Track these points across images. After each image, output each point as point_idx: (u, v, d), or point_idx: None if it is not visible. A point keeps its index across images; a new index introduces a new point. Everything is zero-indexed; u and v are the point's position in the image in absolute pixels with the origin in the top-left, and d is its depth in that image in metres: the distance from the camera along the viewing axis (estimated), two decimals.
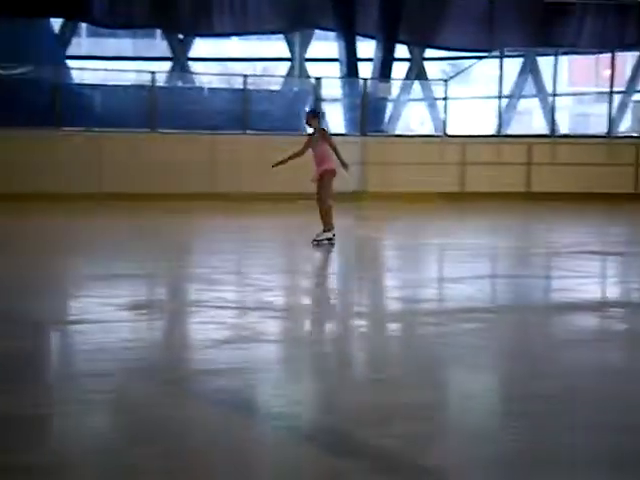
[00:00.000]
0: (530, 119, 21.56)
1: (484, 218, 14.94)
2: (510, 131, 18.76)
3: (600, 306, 7.59)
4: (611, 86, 17.94)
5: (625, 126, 19.34)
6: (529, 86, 19.71)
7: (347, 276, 9.63)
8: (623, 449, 4.06)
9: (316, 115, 11.09)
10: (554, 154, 17.03)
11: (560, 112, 20.71)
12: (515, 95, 19.03)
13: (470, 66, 19.85)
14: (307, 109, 11.22)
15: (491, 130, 18.40)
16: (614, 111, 18.36)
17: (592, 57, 21.34)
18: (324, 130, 10.96)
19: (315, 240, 10.56)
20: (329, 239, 10.60)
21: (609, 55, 18.04)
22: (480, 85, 21.34)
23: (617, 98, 18.82)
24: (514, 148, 17.24)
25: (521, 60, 19.08)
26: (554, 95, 18.28)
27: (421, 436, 4.13)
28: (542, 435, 4.24)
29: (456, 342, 6.19)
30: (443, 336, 6.42)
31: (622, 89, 19.25)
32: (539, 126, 19.74)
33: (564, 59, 22.91)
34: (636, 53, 19.11)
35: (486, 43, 18.39)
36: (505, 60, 18.58)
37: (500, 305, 7.91)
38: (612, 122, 18.10)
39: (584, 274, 9.16)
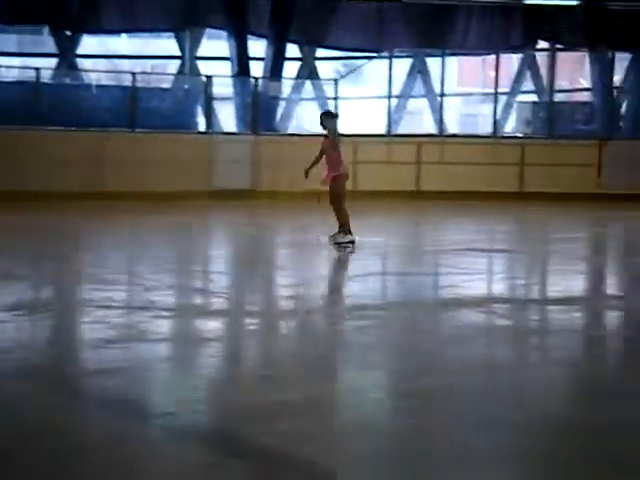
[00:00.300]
0: (420, 119, 21.86)
1: (374, 217, 15.06)
2: (400, 131, 18.98)
3: (485, 302, 7.74)
4: (496, 87, 18.34)
5: (510, 126, 19.81)
6: (419, 86, 19.97)
7: (238, 275, 9.59)
8: (509, 444, 4.15)
9: (330, 116, 10.92)
10: (442, 153, 17.32)
11: (449, 112, 21.06)
12: (404, 95, 19.27)
13: (360, 66, 20.02)
14: (322, 110, 10.98)
15: (381, 129, 18.60)
16: (500, 112, 18.80)
17: (480, 58, 21.76)
18: (335, 133, 10.78)
19: (337, 243, 10.49)
20: (352, 241, 10.49)
21: (495, 56, 18.49)
22: (372, 85, 21.52)
23: (503, 99, 19.27)
24: (404, 147, 17.46)
25: (410, 61, 19.35)
26: (442, 95, 18.61)
27: (306, 433, 4.14)
28: (429, 431, 4.31)
29: (345, 339, 6.25)
30: (333, 334, 6.47)
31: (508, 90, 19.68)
32: (429, 126, 20.03)
33: (453, 60, 23.29)
34: (521, 55, 19.57)
35: (376, 43, 18.57)
36: (395, 60, 18.81)
37: (389, 302, 7.99)
38: (497, 122, 18.53)
39: (471, 271, 9.34)
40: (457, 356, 5.87)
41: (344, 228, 10.54)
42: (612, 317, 7.69)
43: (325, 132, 10.69)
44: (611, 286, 9.57)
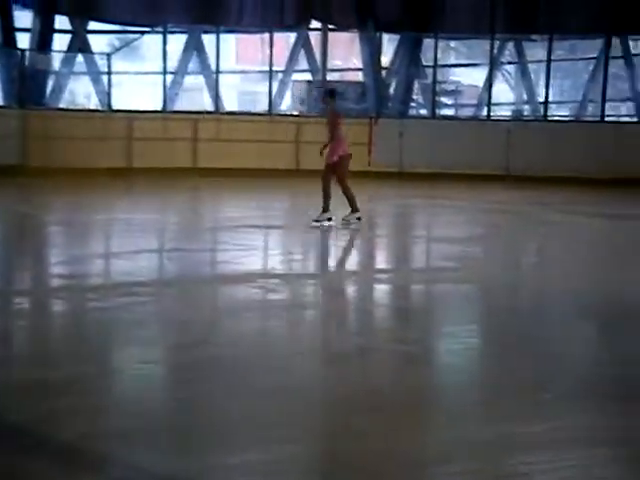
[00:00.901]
0: (199, 96, 21.73)
1: (152, 193, 14.90)
2: (177, 107, 18.80)
3: (258, 277, 7.83)
4: (270, 65, 18.53)
5: (286, 105, 20.07)
6: (196, 63, 19.81)
7: (5, 253, 9.20)
8: (270, 410, 4.25)
9: (332, 95, 11.15)
10: (219, 130, 17.35)
11: (227, 90, 21.06)
12: (180, 71, 19.07)
13: (132, 41, 19.60)
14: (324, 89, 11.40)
15: (158, 106, 18.36)
16: (275, 90, 19.01)
17: (259, 36, 21.79)
18: (337, 112, 11.10)
19: (344, 220, 10.84)
20: (358, 218, 10.88)
21: (274, 35, 18.67)
22: (148, 61, 21.16)
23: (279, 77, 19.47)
24: (180, 124, 17.35)
25: (185, 37, 19.14)
26: (217, 72, 18.57)
27: (68, 411, 4.06)
28: (197, 401, 4.33)
29: (115, 316, 6.15)
30: (103, 311, 6.36)
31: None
32: (207, 103, 19.94)
33: (232, 38, 23.28)
34: (295, 34, 19.79)
35: (150, 18, 18.22)
36: (171, 36, 18.59)
37: (163, 279, 7.95)
38: (273, 101, 18.75)
39: (246, 247, 9.42)
40: (229, 329, 5.95)
41: (353, 205, 10.91)
42: (380, 290, 8.00)
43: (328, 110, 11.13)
44: (381, 260, 9.96)
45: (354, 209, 10.98)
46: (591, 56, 20.28)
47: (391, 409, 4.37)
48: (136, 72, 20.32)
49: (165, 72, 18.26)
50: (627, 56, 19.79)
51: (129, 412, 4.17)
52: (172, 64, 18.80)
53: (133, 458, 3.59)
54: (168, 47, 18.39)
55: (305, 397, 4.49)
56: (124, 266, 8.14)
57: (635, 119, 19.96)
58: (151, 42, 19.60)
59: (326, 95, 11.41)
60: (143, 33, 19.07)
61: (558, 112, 22.19)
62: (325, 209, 10.88)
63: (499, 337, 6.02)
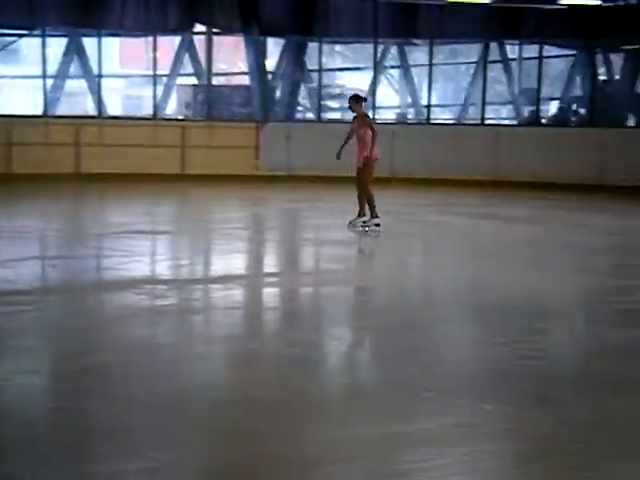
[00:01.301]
0: (83, 100, 21.32)
1: (33, 200, 14.52)
2: (59, 112, 18.40)
3: (144, 283, 7.75)
4: (154, 69, 18.38)
5: (172, 109, 19.89)
6: (77, 67, 19.43)
7: None
8: (162, 417, 4.21)
9: (359, 100, 11.26)
10: (102, 135, 17.08)
11: (111, 94, 20.74)
12: (61, 75, 18.65)
13: (10, 44, 19.07)
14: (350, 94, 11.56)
15: (38, 110, 17.95)
16: (160, 94, 18.82)
17: (143, 40, 21.53)
18: (366, 116, 11.34)
19: (365, 226, 11.14)
20: (377, 224, 11.12)
21: (159, 39, 18.51)
22: (27, 64, 20.63)
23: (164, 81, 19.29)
24: (62, 129, 17.00)
25: (66, 40, 18.75)
26: (100, 76, 18.28)
27: None
28: (82, 410, 4.26)
29: None
30: None
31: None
32: (90, 107, 19.58)
33: (115, 41, 22.93)
34: (179, 37, 19.63)
35: (28, 21, 17.75)
36: (51, 40, 18.19)
37: (46, 286, 7.78)
38: (158, 105, 18.56)
39: (131, 253, 9.29)
40: (116, 336, 5.86)
41: (362, 210, 11.18)
42: (268, 294, 8.00)
43: (355, 115, 11.26)
44: (267, 264, 9.96)
45: (373, 215, 11.22)
46: (472, 60, 20.79)
47: (279, 412, 4.38)
48: (14, 76, 19.82)
49: (45, 76, 17.85)
50: (504, 61, 20.38)
51: (9, 423, 4.06)
52: (53, 68, 18.40)
53: (13, 470, 3.50)
54: (48, 50, 17.99)
55: (194, 402, 4.46)
56: (4, 274, 7.91)
57: (514, 122, 20.56)
58: (30, 45, 19.13)
59: (351, 101, 11.45)
60: (21, 36, 18.59)
61: (441, 115, 22.65)
62: (373, 215, 11.18)
63: (384, 337, 6.10)
